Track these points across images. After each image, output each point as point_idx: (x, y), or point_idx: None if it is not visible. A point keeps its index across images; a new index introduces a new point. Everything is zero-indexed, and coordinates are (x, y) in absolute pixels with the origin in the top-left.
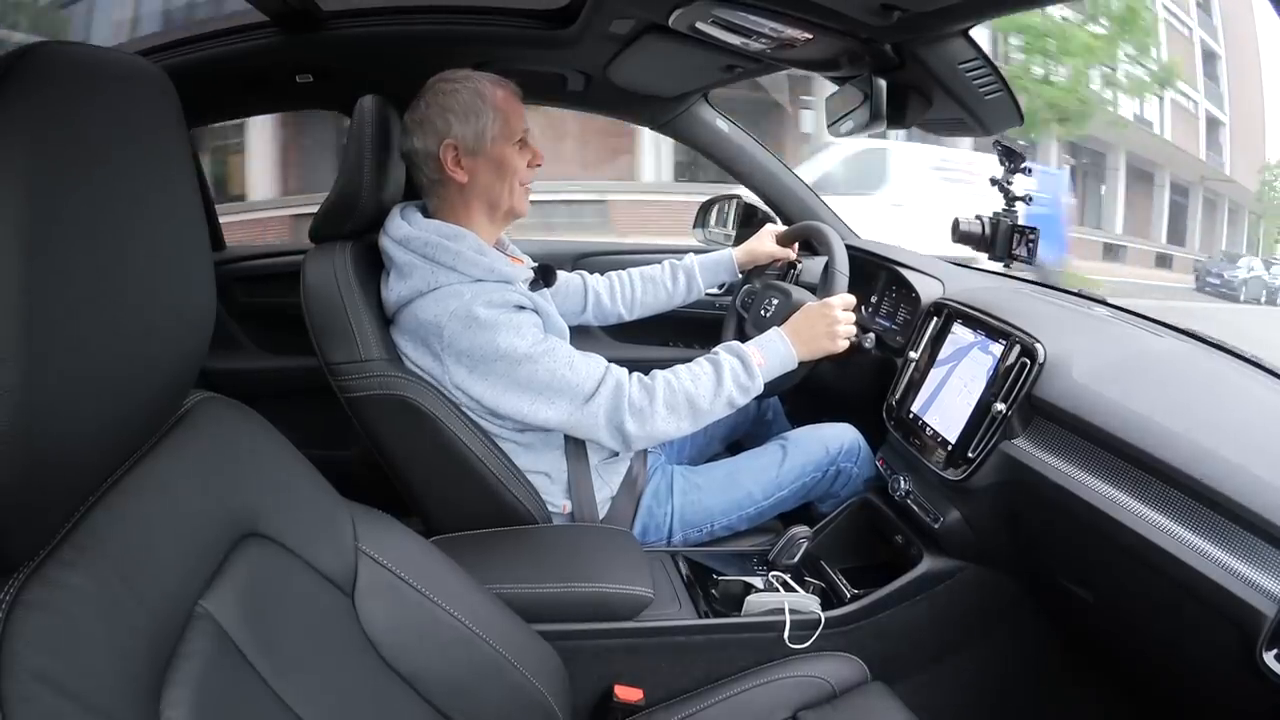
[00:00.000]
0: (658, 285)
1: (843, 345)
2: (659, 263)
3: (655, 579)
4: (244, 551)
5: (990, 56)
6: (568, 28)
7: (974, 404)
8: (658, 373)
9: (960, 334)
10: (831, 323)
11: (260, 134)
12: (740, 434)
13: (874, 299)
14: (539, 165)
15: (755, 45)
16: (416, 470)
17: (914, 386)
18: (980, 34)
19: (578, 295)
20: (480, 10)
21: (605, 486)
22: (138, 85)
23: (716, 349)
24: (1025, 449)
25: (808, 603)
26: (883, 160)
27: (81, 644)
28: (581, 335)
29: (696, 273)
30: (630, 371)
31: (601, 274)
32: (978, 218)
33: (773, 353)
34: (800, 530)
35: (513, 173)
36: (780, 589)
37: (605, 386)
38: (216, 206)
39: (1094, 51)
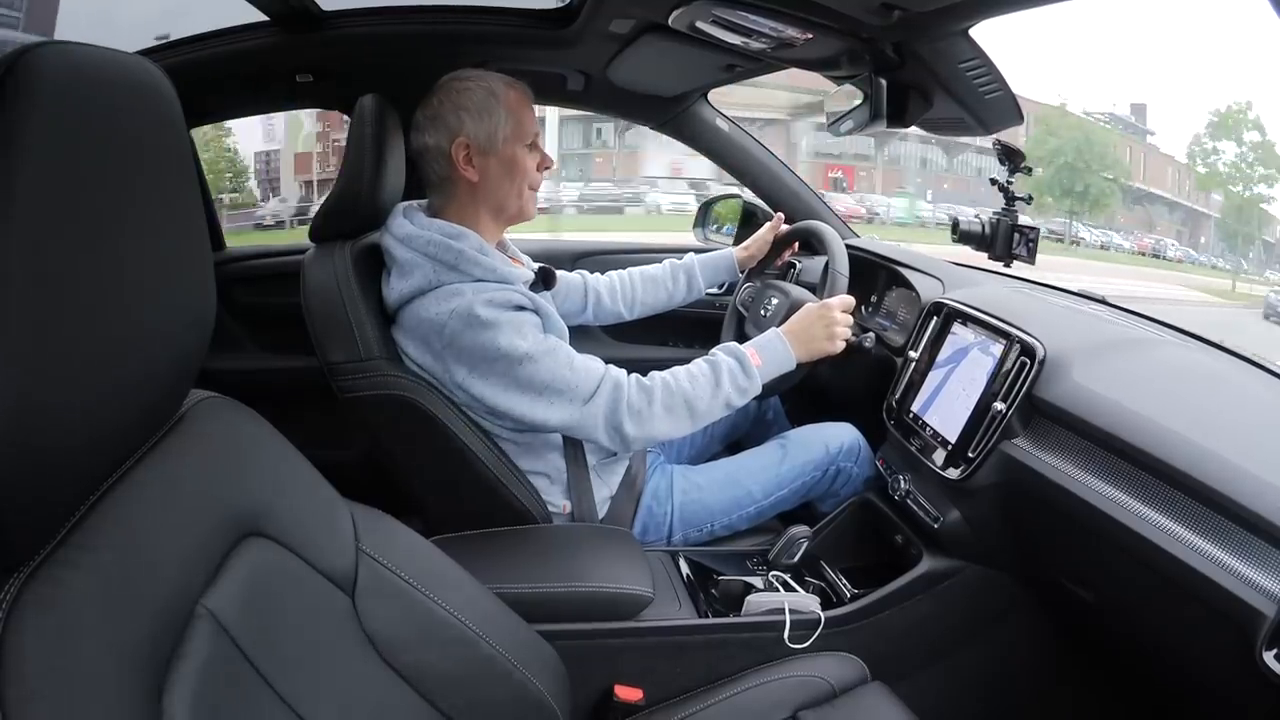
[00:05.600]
0: (658, 285)
1: (840, 347)
2: (659, 262)
3: (655, 579)
4: (245, 551)
5: None
6: (568, 27)
7: (974, 404)
8: (655, 374)
9: (960, 334)
10: (830, 324)
11: None
12: (740, 434)
13: (874, 298)
14: (548, 168)
15: (755, 45)
16: (417, 470)
17: (914, 386)
18: None
19: (578, 294)
20: (480, 10)
21: (604, 486)
22: (137, 85)
23: (715, 350)
24: (1025, 449)
25: (808, 603)
26: None
27: (83, 643)
28: (581, 335)
29: (697, 272)
30: (629, 372)
31: (602, 273)
32: (977, 217)
33: (771, 354)
34: (800, 530)
35: (523, 174)
36: (780, 589)
37: (604, 387)
38: None
39: None
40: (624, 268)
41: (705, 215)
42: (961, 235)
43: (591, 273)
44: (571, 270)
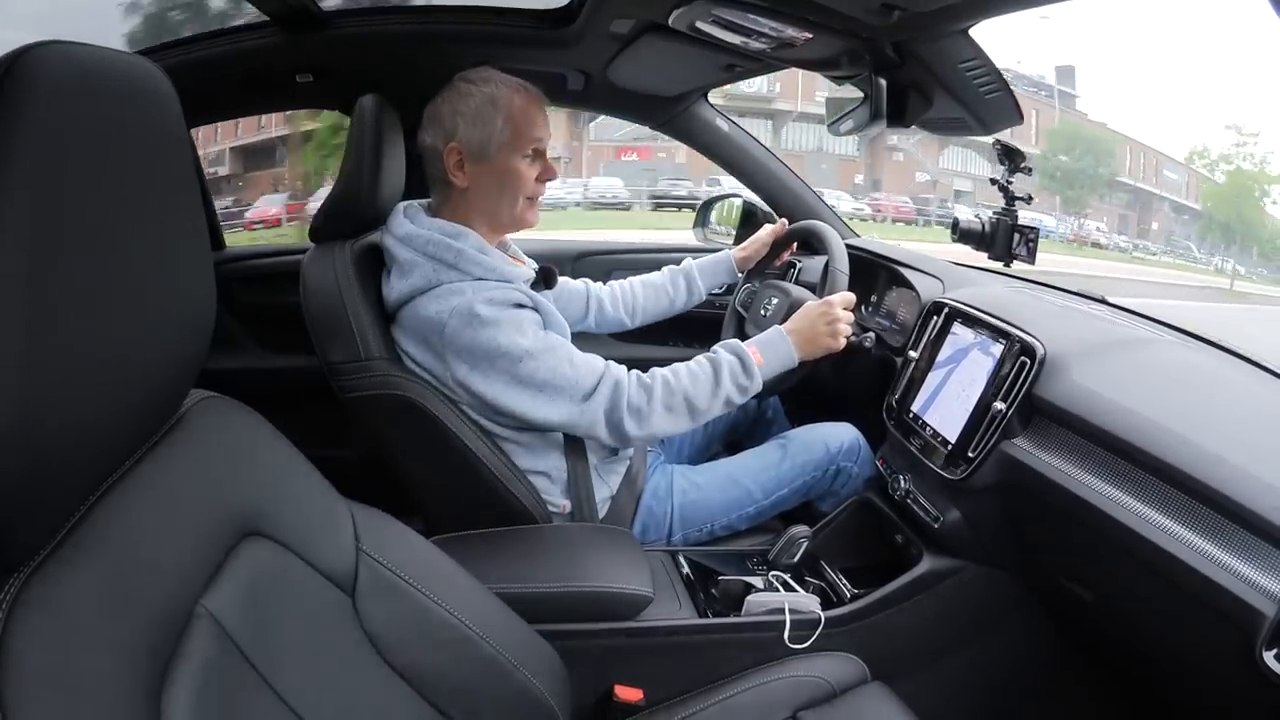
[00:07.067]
0: (659, 292)
1: (843, 344)
2: (658, 263)
3: (655, 579)
4: (245, 551)
5: None
6: (568, 27)
7: (974, 403)
8: (656, 371)
9: (960, 333)
10: (831, 321)
11: None
12: (740, 433)
13: (874, 298)
14: (551, 178)
15: (755, 45)
16: (417, 470)
17: (914, 386)
18: None
19: (579, 302)
20: (480, 10)
21: (605, 486)
22: (138, 85)
23: (716, 347)
24: (1025, 448)
25: (808, 602)
26: None
27: (82, 643)
28: (582, 335)
29: (696, 276)
30: (629, 370)
31: (603, 278)
32: (977, 216)
33: (772, 352)
34: (800, 530)
35: (517, 185)
36: (780, 589)
37: (604, 384)
38: None
39: None
40: (624, 267)
41: (705, 215)
42: (961, 235)
43: (594, 277)
44: (571, 270)
